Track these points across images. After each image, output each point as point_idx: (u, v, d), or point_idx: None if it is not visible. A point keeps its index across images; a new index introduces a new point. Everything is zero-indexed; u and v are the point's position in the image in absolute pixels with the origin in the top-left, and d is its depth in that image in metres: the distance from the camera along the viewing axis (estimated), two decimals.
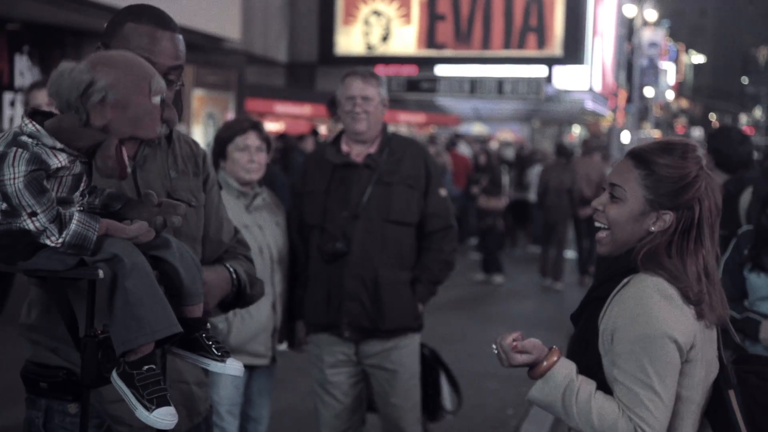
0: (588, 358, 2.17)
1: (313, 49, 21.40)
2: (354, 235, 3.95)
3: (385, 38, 20.61)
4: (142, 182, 2.28)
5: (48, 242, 1.83)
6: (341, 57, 20.85)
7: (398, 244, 3.98)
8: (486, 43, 20.40)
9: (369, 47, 20.73)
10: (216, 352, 2.02)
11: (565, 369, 2.14)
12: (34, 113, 1.90)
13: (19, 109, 12.81)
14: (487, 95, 21.01)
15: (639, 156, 2.23)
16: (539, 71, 21.72)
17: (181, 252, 2.02)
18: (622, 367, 2.08)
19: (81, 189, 1.92)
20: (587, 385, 2.12)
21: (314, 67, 22.16)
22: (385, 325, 3.97)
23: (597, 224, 2.28)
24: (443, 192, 4.11)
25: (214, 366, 2.02)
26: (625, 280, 2.16)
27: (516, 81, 20.14)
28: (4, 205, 1.82)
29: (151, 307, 1.86)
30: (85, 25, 13.07)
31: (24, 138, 1.84)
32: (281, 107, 19.80)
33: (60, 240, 1.83)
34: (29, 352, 2.26)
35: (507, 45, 20.17)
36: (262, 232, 4.01)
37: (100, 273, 1.84)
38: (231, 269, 2.45)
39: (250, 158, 3.96)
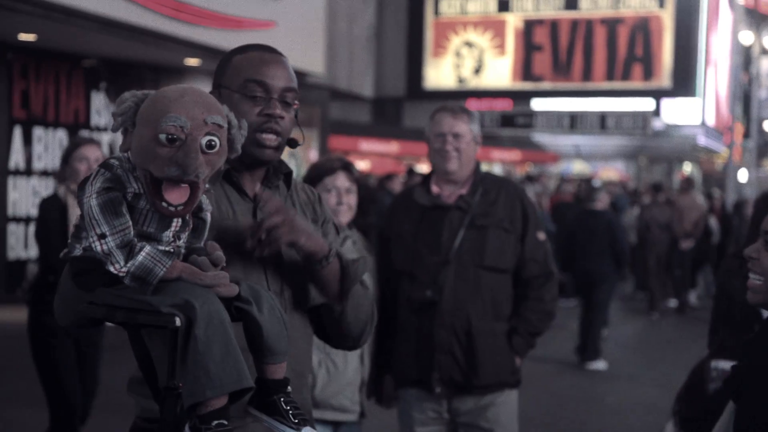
0: None
1: (401, 83, 21.58)
2: (445, 283, 3.95)
3: (477, 70, 20.68)
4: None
5: (112, 269, 1.86)
6: (430, 91, 20.98)
7: (493, 292, 3.97)
8: (587, 75, 20.30)
9: (460, 80, 20.80)
10: (293, 418, 2.03)
11: None
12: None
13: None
14: (589, 131, 20.84)
15: None
16: (646, 104, 21.51)
17: (270, 306, 2.03)
18: None
19: (174, 229, 1.95)
20: None
21: (401, 102, 22.33)
22: (479, 380, 3.95)
23: (751, 275, 2.29)
24: (542, 235, 4.09)
25: None
26: None
27: (620, 115, 19.93)
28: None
29: (221, 359, 1.86)
30: (163, 61, 13.46)
31: (112, 161, 1.91)
32: (366, 145, 19.96)
33: (124, 269, 1.86)
34: (138, 410, 2.27)
35: (610, 76, 20.04)
36: None
37: (177, 321, 1.85)
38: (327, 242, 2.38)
39: (338, 200, 4.01)
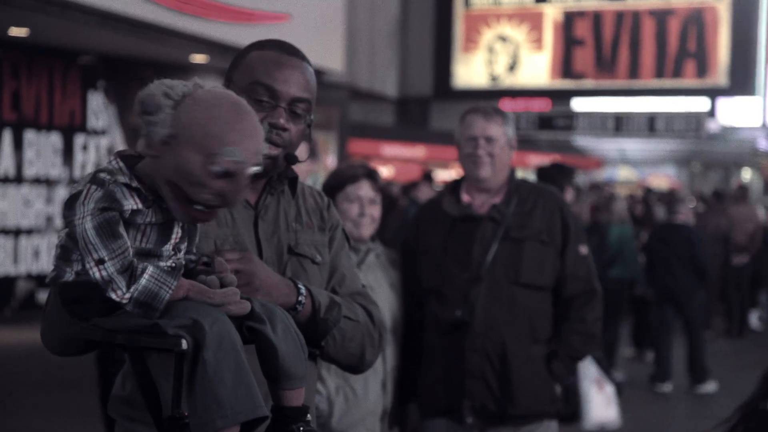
0: None
1: (427, 81, 21.63)
2: (477, 301, 3.95)
3: (512, 67, 20.69)
4: (263, 233, 2.36)
5: (113, 296, 1.87)
6: (460, 90, 21.00)
7: (530, 312, 3.97)
8: (634, 72, 20.27)
9: (493, 78, 20.83)
10: None
11: None
12: (124, 153, 1.98)
13: (93, 155, 13.28)
14: (636, 133, 20.79)
15: None
16: (700, 104, 21.43)
17: (285, 326, 2.03)
18: None
19: (173, 241, 1.96)
20: None
21: (428, 102, 22.39)
22: (515, 409, 3.94)
23: None
24: (584, 249, 4.08)
25: None
26: None
27: (671, 116, 19.89)
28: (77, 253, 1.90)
29: (233, 386, 1.86)
30: (167, 57, 13.53)
31: (103, 175, 1.91)
32: (390, 149, 20.02)
33: (127, 295, 1.87)
34: (120, 430, 2.28)
35: (660, 74, 19.99)
36: (374, 294, 4.03)
37: (183, 343, 1.85)
38: (299, 284, 2.36)
39: (360, 211, 4.02)
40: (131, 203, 1.89)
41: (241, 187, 1.90)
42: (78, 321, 1.96)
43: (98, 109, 13.51)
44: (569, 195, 7.30)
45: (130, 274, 1.87)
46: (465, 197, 4.09)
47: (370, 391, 4.02)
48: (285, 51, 2.36)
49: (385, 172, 19.26)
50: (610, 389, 6.15)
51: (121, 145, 13.42)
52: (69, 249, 1.94)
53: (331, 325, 2.38)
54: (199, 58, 13.48)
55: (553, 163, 8.54)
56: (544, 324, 4.01)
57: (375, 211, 4.07)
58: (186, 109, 1.89)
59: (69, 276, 1.94)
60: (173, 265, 1.96)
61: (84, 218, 1.86)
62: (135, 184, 1.91)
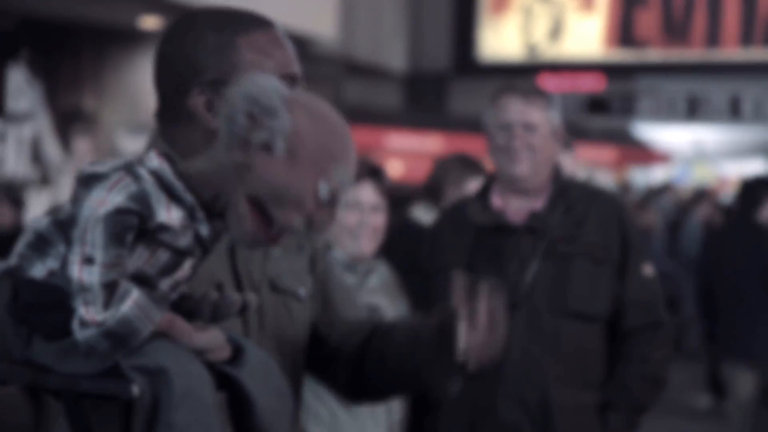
0: None
1: (445, 52, 21.64)
2: (512, 335, 3.96)
3: (555, 34, 20.71)
4: (241, 264, 2.37)
5: (82, 311, 1.85)
6: (488, 64, 21.02)
7: (580, 349, 3.99)
8: (713, 40, 20.29)
9: (531, 48, 20.85)
10: None
11: None
12: (162, 149, 2.02)
13: (13, 146, 13.27)
14: (716, 119, 20.79)
15: None
16: None
17: (267, 372, 2.07)
18: None
19: (174, 277, 1.96)
20: None
21: (446, 79, 22.39)
22: None
23: None
24: (649, 270, 4.11)
25: None
26: None
27: (762, 98, 19.88)
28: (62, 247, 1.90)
29: None
30: (109, 22, 13.55)
31: (141, 170, 1.92)
32: (397, 139, 20.02)
33: (99, 318, 1.85)
34: None
35: (746, 41, 19.97)
36: None
37: (134, 390, 1.86)
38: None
39: (360, 220, 4.05)
40: (164, 215, 1.90)
41: (335, 214, 1.96)
42: (15, 327, 1.96)
43: (21, 86, 13.50)
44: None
45: (111, 293, 1.86)
46: (496, 202, 4.12)
47: None
48: (269, 25, 2.37)
49: (391, 168, 19.28)
50: None
51: (49, 135, 13.42)
52: (48, 240, 1.94)
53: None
54: (150, 23, 13.50)
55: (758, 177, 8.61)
56: (596, 365, 4.04)
57: (378, 220, 4.10)
58: (299, 115, 1.94)
59: (39, 272, 1.93)
60: (164, 297, 1.96)
61: (102, 205, 1.86)
62: (182, 193, 1.93)
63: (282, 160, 1.90)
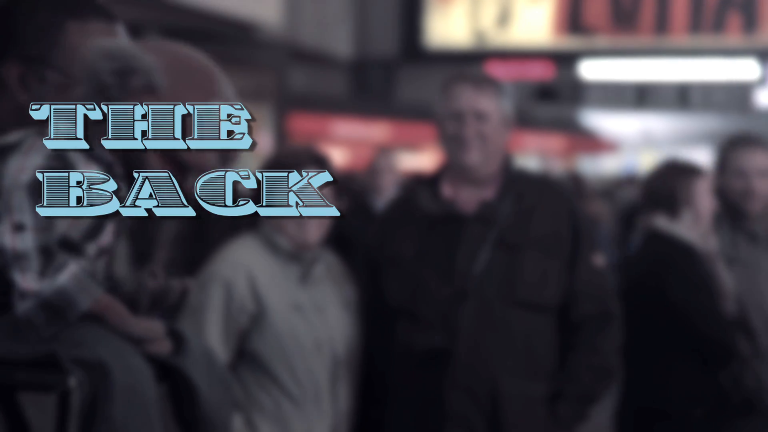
0: None
1: (392, 39, 21.62)
2: (461, 326, 3.98)
3: (503, 21, 20.76)
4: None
5: (19, 280, 1.84)
6: (435, 51, 21.02)
7: (529, 339, 4.00)
8: (661, 27, 20.35)
9: (479, 35, 20.87)
10: None
11: None
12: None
13: None
14: (664, 108, 20.90)
15: None
16: (746, 70, 21.51)
17: (208, 361, 2.07)
18: None
19: (98, 243, 1.94)
20: None
21: (393, 66, 22.38)
22: None
23: None
24: (599, 260, 4.12)
25: None
26: None
27: (710, 86, 20.00)
28: None
29: None
30: None
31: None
32: (343, 127, 20.03)
33: (36, 287, 1.84)
34: None
35: (695, 28, 20.04)
36: (323, 316, 4.05)
37: (71, 381, 1.84)
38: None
39: None
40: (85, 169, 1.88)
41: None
42: None
43: None
44: None
45: (48, 259, 1.85)
46: (447, 191, 4.12)
47: None
48: (112, 20, 2.30)
49: (336, 156, 19.26)
50: None
51: None
52: None
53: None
54: None
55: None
56: (546, 355, 4.05)
57: None
58: (159, 54, 1.96)
59: None
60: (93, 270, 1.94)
61: (22, 172, 1.86)
62: (100, 151, 1.90)
63: (168, 94, 1.91)
